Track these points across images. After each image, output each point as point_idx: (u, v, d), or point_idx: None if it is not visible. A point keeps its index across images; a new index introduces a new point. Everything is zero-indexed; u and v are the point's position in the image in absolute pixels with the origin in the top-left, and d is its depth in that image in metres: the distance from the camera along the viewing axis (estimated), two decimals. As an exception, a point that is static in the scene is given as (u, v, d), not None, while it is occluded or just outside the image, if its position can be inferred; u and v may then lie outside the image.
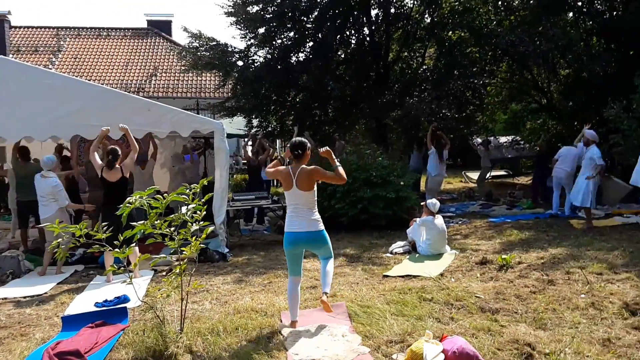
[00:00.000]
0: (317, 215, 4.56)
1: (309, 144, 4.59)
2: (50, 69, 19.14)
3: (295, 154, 4.51)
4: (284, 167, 4.61)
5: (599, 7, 13.39)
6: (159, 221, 3.99)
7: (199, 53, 13.51)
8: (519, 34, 11.89)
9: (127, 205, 3.90)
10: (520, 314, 4.68)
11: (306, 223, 4.49)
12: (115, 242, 4.17)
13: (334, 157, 4.54)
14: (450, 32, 13.97)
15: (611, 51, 13.11)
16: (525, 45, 11.61)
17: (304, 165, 4.49)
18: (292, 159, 4.59)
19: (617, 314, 4.58)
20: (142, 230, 4.04)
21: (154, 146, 9.70)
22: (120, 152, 6.68)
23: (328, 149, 4.57)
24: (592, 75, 12.62)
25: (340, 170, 4.49)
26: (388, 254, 7.52)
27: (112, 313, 5.09)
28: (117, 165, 6.59)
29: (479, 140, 15.28)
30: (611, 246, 7.12)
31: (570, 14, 13.59)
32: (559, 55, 12.99)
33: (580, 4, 13.27)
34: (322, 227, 4.57)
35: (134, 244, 4.36)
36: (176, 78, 20.42)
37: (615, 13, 13.24)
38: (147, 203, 3.92)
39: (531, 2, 13.45)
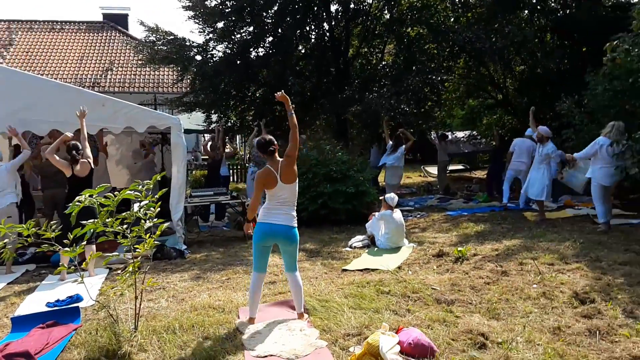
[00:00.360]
0: (295, 214, 4.56)
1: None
2: (1, 63, 18.47)
3: (269, 151, 4.46)
4: (261, 172, 4.49)
5: (552, 4, 13.78)
6: (110, 219, 3.90)
7: (156, 47, 13.27)
8: (476, 30, 12.13)
9: (77, 204, 3.79)
10: (474, 304, 4.78)
11: (286, 217, 4.48)
12: (65, 240, 4.06)
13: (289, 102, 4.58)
14: (409, 29, 14.14)
15: (564, 48, 13.52)
16: (482, 42, 11.85)
17: (279, 159, 4.47)
18: (266, 158, 4.53)
19: (567, 303, 4.72)
20: (95, 229, 3.94)
21: (101, 140, 9.54)
22: (80, 146, 6.53)
23: (284, 94, 4.60)
24: (546, 72, 12.99)
25: (294, 118, 4.55)
26: (347, 248, 7.57)
27: (64, 313, 4.97)
28: (82, 159, 6.44)
29: (433, 135, 15.52)
30: (562, 237, 7.34)
31: (526, 12, 13.93)
32: (514, 51, 13.31)
33: (534, 1, 13.61)
34: (296, 225, 4.57)
35: (89, 242, 4.24)
36: (133, 72, 20.01)
37: (568, 11, 13.64)
38: (97, 201, 3.83)
39: (487, -1, 13.72)
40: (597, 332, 3.98)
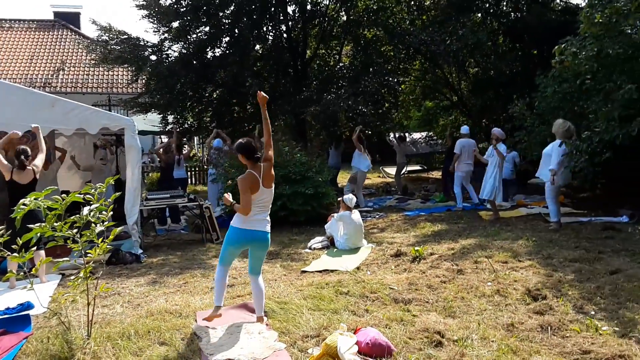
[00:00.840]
0: (268, 217, 4.51)
1: None
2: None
3: (255, 158, 4.37)
4: (246, 177, 4.35)
5: (504, 8, 14.13)
6: (59, 223, 3.77)
7: (109, 47, 12.96)
8: (431, 33, 12.32)
9: (22, 207, 3.65)
10: (431, 303, 4.85)
11: (264, 223, 4.43)
12: (13, 246, 3.91)
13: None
14: (366, 30, 14.26)
15: (516, 50, 13.88)
16: (437, 44, 12.05)
17: (260, 164, 4.40)
18: (247, 164, 4.39)
19: (520, 299, 4.85)
20: (43, 234, 3.81)
21: (61, 151, 9.28)
22: (30, 153, 6.29)
23: (265, 95, 4.51)
24: (499, 74, 13.31)
25: (269, 124, 4.50)
26: (307, 250, 7.56)
27: (14, 321, 4.77)
28: (28, 167, 6.19)
29: (392, 136, 15.73)
30: (516, 236, 7.53)
31: (479, 15, 14.25)
32: (468, 54, 13.60)
33: (487, 5, 13.94)
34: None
35: (38, 247, 4.09)
36: (86, 73, 19.46)
37: (519, 14, 14.02)
38: (44, 205, 3.69)
39: (441, 2, 13.98)
40: (549, 328, 4.09)
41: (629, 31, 7.73)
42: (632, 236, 7.17)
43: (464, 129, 10.84)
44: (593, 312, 4.40)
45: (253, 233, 4.38)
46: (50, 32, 21.70)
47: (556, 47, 8.43)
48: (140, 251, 7.55)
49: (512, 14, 14.30)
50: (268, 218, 4.50)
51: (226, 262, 4.57)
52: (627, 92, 7.07)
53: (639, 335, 3.89)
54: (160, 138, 12.57)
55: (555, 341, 3.89)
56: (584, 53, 7.87)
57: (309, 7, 13.77)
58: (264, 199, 4.40)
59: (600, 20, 7.59)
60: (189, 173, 16.50)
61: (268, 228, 4.48)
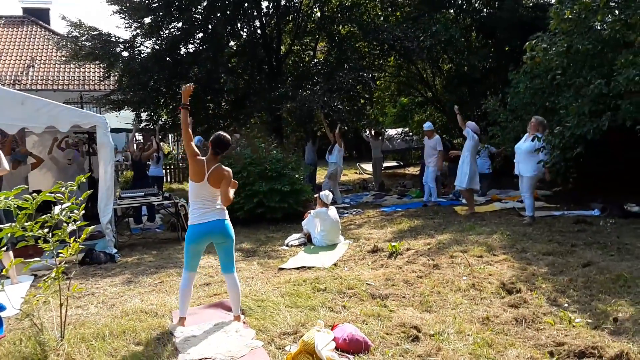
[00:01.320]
0: (221, 205, 4.43)
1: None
2: None
3: (216, 152, 4.34)
4: (200, 157, 4.34)
5: (476, 4, 14.26)
6: (29, 223, 3.68)
7: (79, 43, 12.71)
8: (404, 29, 12.37)
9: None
10: (407, 298, 4.87)
11: (216, 213, 4.36)
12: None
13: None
14: (340, 27, 14.26)
15: (489, 47, 14.03)
16: (410, 40, 12.11)
17: (220, 165, 4.35)
18: (209, 154, 4.36)
19: (495, 293, 4.90)
20: (12, 234, 3.71)
21: (37, 159, 9.09)
22: None
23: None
24: (472, 70, 13.43)
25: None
26: (284, 247, 7.54)
27: (-16, 323, 4.67)
28: None
29: (367, 133, 15.79)
30: (491, 230, 7.62)
31: (451, 11, 14.36)
32: (442, 50, 13.69)
33: (460, 1, 14.06)
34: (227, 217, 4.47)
35: (3, 248, 3.98)
36: (56, 69, 19.08)
37: (491, 10, 14.17)
38: (13, 204, 3.60)
39: (415, -2, 14.05)
40: (524, 321, 4.14)
41: (598, 27, 7.88)
42: (603, 229, 7.32)
43: (427, 125, 10.95)
44: (566, 305, 4.48)
45: (206, 225, 4.33)
46: (20, 28, 21.20)
47: (527, 43, 8.55)
48: (115, 250, 7.44)
49: (484, 10, 14.45)
50: (218, 206, 4.38)
51: (191, 267, 4.49)
52: (597, 87, 7.21)
53: (611, 326, 3.97)
54: (135, 136, 12.33)
55: (530, 334, 3.94)
56: (554, 49, 8.00)
57: (282, 2, 13.69)
58: (202, 194, 4.33)
59: (570, 17, 7.72)
60: (164, 171, 16.31)
61: (222, 215, 4.39)
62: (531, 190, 8.09)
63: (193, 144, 4.38)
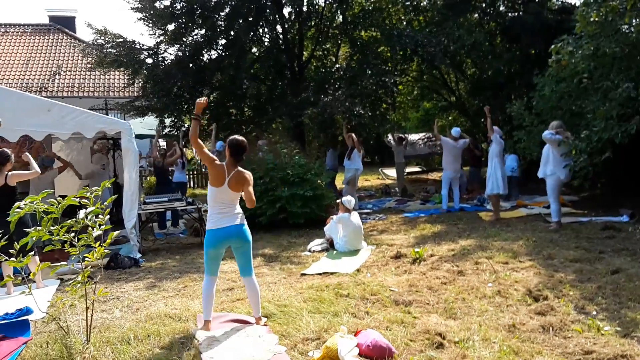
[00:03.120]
0: (240, 210, 4.45)
1: None
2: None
3: (235, 157, 4.35)
4: (218, 162, 4.36)
5: (501, 8, 14.13)
6: (55, 227, 3.73)
7: (104, 50, 12.93)
8: (427, 34, 12.31)
9: (17, 210, 3.61)
10: (432, 304, 4.81)
11: (233, 218, 4.37)
12: (10, 251, 3.87)
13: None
14: (362, 31, 14.24)
15: (513, 50, 13.87)
16: (433, 45, 12.03)
17: (240, 168, 4.36)
18: (228, 159, 4.37)
19: (521, 300, 4.81)
20: (39, 238, 3.77)
21: (63, 162, 9.26)
22: (9, 156, 6.12)
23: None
24: (497, 74, 13.29)
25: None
26: (306, 252, 7.52)
27: (12, 326, 4.76)
28: (4, 171, 6.08)
29: (390, 138, 15.73)
30: (516, 236, 7.51)
31: (475, 15, 14.25)
32: (465, 55, 13.58)
33: (483, 5, 13.94)
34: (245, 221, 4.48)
35: (31, 253, 4.04)
36: (82, 76, 19.41)
37: (516, 14, 14.02)
38: (40, 208, 3.65)
39: (438, 2, 13.97)
40: (551, 329, 4.06)
41: (625, 29, 7.73)
42: (632, 235, 7.15)
43: (455, 130, 10.83)
44: (595, 313, 4.38)
45: (223, 230, 4.34)
46: (46, 36, 21.63)
47: (552, 46, 8.42)
48: (139, 255, 7.52)
49: (508, 13, 14.31)
50: (237, 211, 4.40)
51: (212, 271, 4.49)
52: (625, 91, 7.07)
53: (641, 334, 3.86)
54: (158, 142, 12.47)
55: (557, 342, 3.86)
56: (580, 52, 7.88)
57: (305, 8, 13.75)
58: (221, 198, 4.33)
59: (596, 19, 7.60)
60: (187, 177, 16.46)
61: (240, 220, 4.39)
62: (556, 194, 7.95)
63: (206, 150, 4.36)
